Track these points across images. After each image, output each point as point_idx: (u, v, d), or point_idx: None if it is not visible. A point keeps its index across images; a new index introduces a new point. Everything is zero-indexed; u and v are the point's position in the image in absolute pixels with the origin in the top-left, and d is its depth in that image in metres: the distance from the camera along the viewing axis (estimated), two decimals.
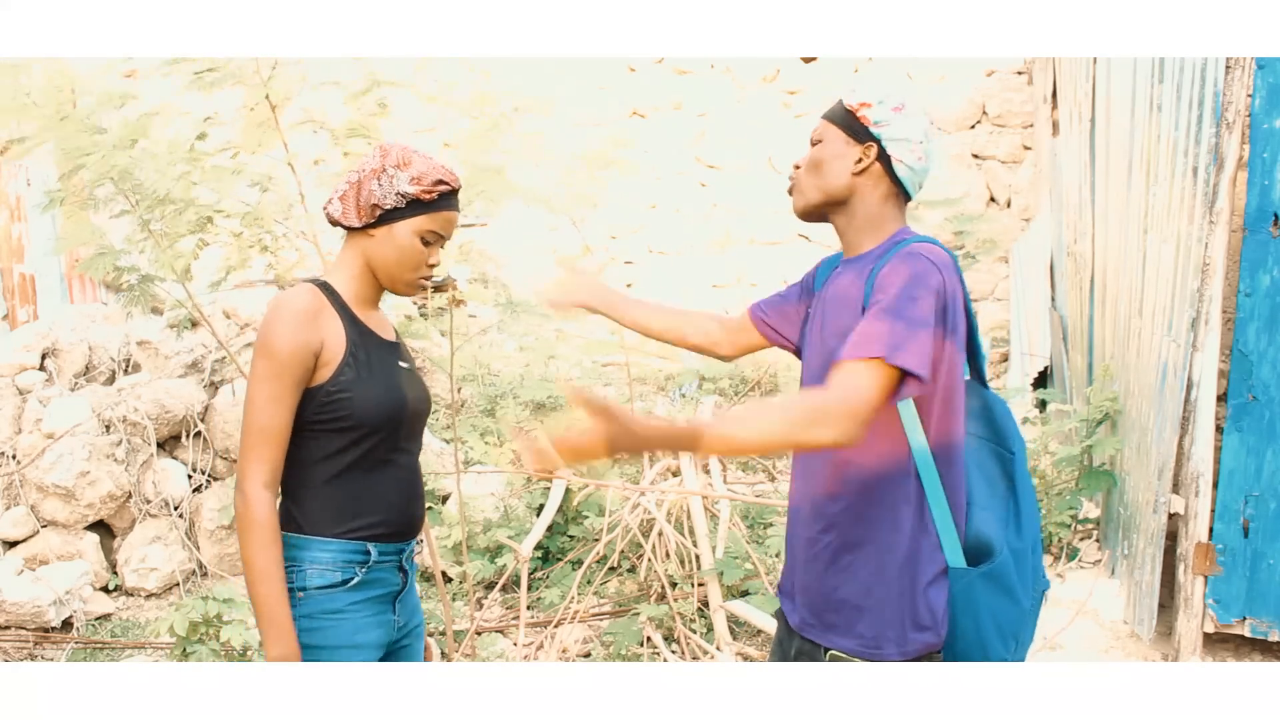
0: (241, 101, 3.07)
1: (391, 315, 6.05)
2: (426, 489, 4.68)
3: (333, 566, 1.79)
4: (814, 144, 1.82)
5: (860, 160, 1.76)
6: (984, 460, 1.81)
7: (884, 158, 1.76)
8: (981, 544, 1.71)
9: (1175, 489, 3.60)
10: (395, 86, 3.19)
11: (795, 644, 1.82)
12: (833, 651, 1.73)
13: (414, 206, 1.82)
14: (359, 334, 1.84)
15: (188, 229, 3.01)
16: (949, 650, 1.73)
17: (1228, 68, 3.36)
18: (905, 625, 1.67)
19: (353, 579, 1.80)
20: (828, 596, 1.74)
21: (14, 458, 4.64)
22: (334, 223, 1.88)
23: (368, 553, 1.82)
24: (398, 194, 1.80)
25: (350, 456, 1.80)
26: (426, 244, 1.85)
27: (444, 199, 1.85)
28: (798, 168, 1.84)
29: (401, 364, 1.92)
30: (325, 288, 1.85)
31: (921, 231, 1.82)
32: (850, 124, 1.77)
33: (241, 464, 1.74)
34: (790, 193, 1.86)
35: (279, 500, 1.82)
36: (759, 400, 1.56)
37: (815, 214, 1.83)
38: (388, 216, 1.82)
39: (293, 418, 1.76)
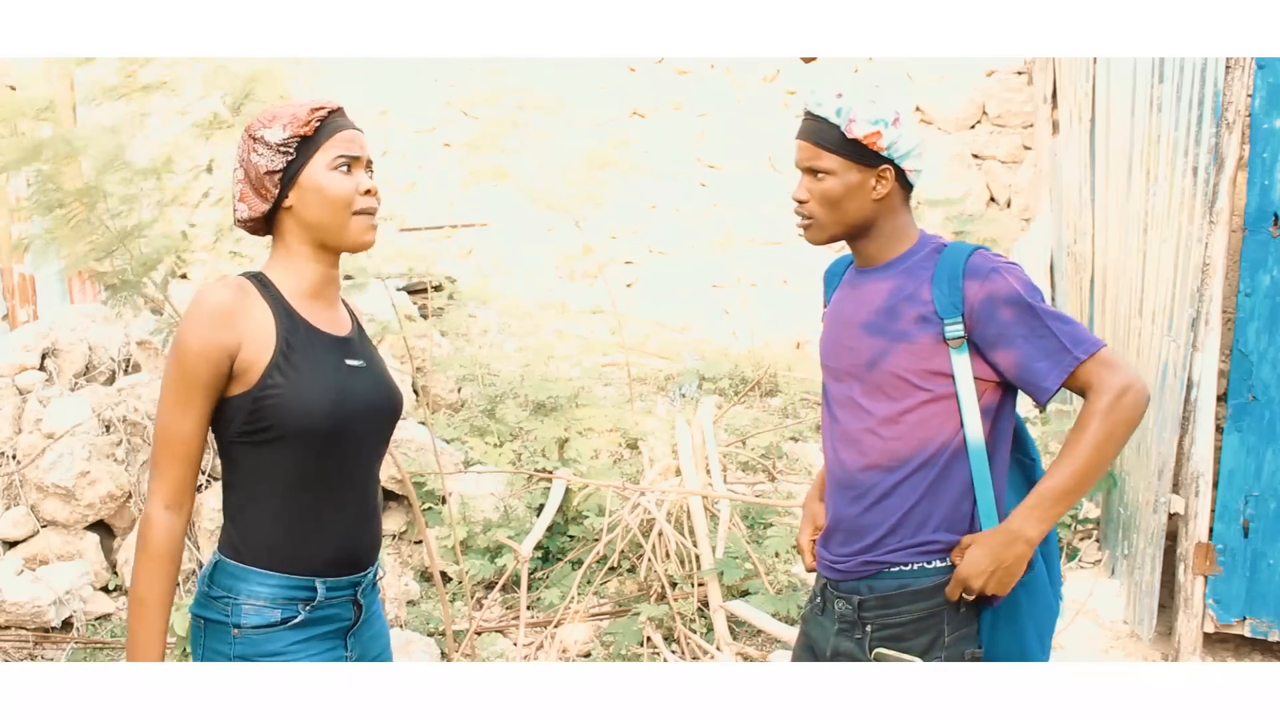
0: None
1: (391, 315, 5.97)
2: (426, 489, 4.69)
3: (270, 604, 1.58)
4: (812, 172, 1.76)
5: (877, 185, 1.74)
6: (1009, 468, 1.82)
7: (898, 173, 1.76)
8: None
9: (1175, 489, 3.60)
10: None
11: (835, 610, 1.81)
12: (879, 650, 1.73)
13: (304, 147, 1.62)
14: (293, 329, 1.61)
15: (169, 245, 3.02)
16: (990, 658, 1.74)
17: (1228, 68, 3.36)
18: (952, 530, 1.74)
19: (294, 618, 1.59)
20: (875, 530, 1.76)
21: (14, 458, 4.64)
22: (253, 224, 1.68)
23: (313, 589, 1.61)
24: (280, 147, 1.61)
25: (290, 473, 1.59)
26: (347, 172, 1.63)
27: (330, 123, 1.63)
28: (803, 202, 1.78)
29: (350, 361, 1.67)
30: (258, 279, 1.63)
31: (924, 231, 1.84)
32: (860, 152, 1.72)
33: (149, 480, 1.58)
34: (805, 229, 1.81)
35: (221, 521, 1.66)
36: (1066, 443, 1.69)
37: (834, 241, 1.83)
38: (289, 176, 1.62)
39: (204, 428, 1.57)
